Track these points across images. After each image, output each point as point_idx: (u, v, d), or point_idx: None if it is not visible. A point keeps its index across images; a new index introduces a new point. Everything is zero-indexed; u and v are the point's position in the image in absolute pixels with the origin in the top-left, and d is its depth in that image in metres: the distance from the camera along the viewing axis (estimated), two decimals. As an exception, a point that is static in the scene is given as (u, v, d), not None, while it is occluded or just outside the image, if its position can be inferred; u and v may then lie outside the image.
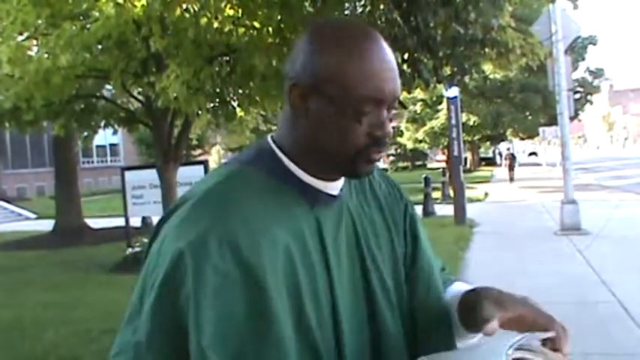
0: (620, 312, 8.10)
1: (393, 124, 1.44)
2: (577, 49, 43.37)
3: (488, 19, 8.71)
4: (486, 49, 9.55)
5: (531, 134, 54.28)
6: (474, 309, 1.48)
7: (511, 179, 39.76)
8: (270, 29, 8.75)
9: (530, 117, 45.71)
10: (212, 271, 1.23)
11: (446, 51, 9.24)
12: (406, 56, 8.90)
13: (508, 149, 59.86)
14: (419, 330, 1.56)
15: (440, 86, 12.43)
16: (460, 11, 8.21)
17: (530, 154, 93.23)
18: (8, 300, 10.40)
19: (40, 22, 9.50)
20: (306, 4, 8.80)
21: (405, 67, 8.94)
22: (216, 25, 8.78)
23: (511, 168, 41.43)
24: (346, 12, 9.29)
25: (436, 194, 24.55)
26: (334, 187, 1.46)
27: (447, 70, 9.73)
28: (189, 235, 1.26)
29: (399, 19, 8.51)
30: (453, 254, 12.88)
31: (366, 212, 1.57)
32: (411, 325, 1.55)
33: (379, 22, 8.75)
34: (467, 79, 11.97)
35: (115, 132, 16.66)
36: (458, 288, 1.68)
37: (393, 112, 1.42)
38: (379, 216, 1.60)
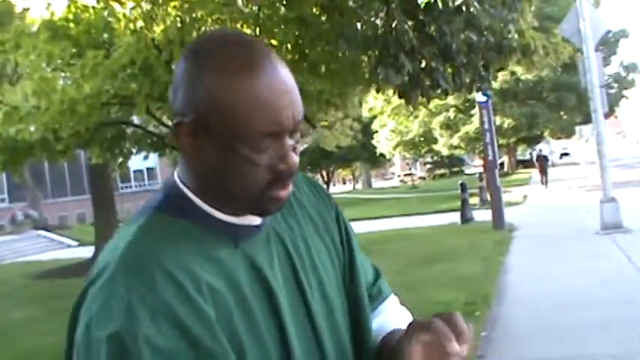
0: (664, 310, 7.92)
1: (301, 146, 1.25)
2: (608, 44, 42.98)
3: (502, 25, 8.63)
4: (504, 55, 9.46)
5: (568, 134, 53.81)
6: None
7: (544, 183, 36.00)
8: (289, 46, 8.74)
9: (565, 116, 45.37)
10: (156, 354, 1.07)
11: (462, 59, 9.16)
12: (423, 65, 8.85)
13: (540, 150, 54.66)
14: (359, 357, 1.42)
15: (462, 93, 12.37)
16: (472, 18, 8.12)
17: (563, 154, 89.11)
18: (52, 326, 10.47)
19: (65, 53, 9.61)
20: (323, 18, 8.78)
21: (423, 76, 8.90)
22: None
23: (542, 171, 37.07)
24: (360, 24, 9.23)
25: (474, 200, 24.39)
26: (254, 217, 1.29)
27: (467, 78, 9.66)
28: (118, 317, 1.09)
29: (412, 31, 8.46)
30: (492, 259, 12.80)
31: (298, 233, 1.39)
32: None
33: (394, 32, 8.71)
34: (489, 83, 11.88)
35: (146, 157, 16.85)
36: (383, 320, 1.52)
37: (298, 136, 1.24)
38: (313, 233, 1.43)
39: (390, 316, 1.55)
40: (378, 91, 10.31)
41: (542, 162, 37.94)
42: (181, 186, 1.27)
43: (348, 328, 1.41)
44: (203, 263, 1.18)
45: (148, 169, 49.88)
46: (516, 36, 9.09)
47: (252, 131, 1.16)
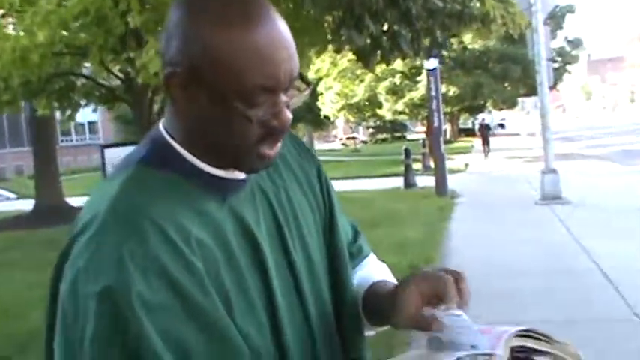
0: (601, 279, 8.18)
1: (295, 101, 1.24)
2: (555, 18, 43.44)
3: None
4: (465, 22, 9.57)
5: (510, 105, 54.46)
6: (381, 309, 1.36)
7: (485, 153, 35.25)
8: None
9: (509, 87, 45.88)
10: (148, 310, 1.06)
11: (423, 24, 9.22)
12: (385, 28, 8.90)
13: (483, 120, 53.50)
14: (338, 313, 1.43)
15: (419, 57, 12.46)
16: None
17: (499, 125, 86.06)
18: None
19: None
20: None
21: (384, 39, 8.94)
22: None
23: (484, 140, 36.27)
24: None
25: (416, 166, 24.57)
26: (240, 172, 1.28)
27: (426, 43, 9.74)
28: (108, 272, 1.07)
29: None
30: (435, 225, 12.98)
31: (281, 188, 1.39)
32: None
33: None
34: (447, 49, 11.99)
35: (95, 110, 16.55)
36: (367, 274, 1.56)
37: (292, 91, 1.22)
38: (296, 189, 1.44)
39: (373, 270, 1.58)
40: (338, 52, 10.32)
41: (485, 131, 37.60)
42: (168, 138, 1.24)
43: (327, 283, 1.42)
44: (191, 217, 1.17)
45: (89, 122, 49.01)
46: (478, 4, 9.18)
47: (248, 85, 1.13)
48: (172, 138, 1.24)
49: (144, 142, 1.28)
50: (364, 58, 9.33)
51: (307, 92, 1.28)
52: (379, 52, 9.07)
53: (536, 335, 1.22)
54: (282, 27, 1.18)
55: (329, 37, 9.19)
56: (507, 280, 8.52)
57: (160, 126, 1.28)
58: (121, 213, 1.13)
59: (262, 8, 1.17)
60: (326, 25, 9.04)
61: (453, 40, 15.85)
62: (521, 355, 1.20)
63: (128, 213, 1.13)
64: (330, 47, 9.96)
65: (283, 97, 1.18)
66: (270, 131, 1.19)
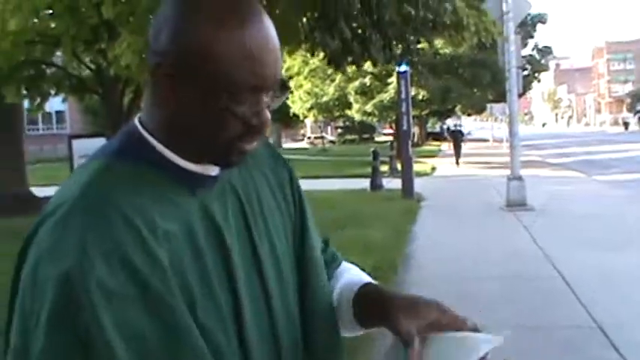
0: (562, 286, 8.29)
1: (275, 104, 1.27)
2: (526, 27, 43.80)
3: (436, 2, 8.78)
4: (437, 30, 9.64)
5: (479, 110, 54.76)
6: (379, 314, 1.37)
7: (457, 161, 33.01)
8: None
9: (478, 93, 46.08)
10: (106, 297, 1.06)
11: (395, 31, 9.26)
12: (359, 32, 8.93)
13: (456, 125, 49.86)
14: (306, 320, 1.44)
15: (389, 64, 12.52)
16: None
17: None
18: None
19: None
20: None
21: (355, 44, 8.97)
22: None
23: (457, 146, 34.01)
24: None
25: (384, 168, 24.64)
26: (213, 167, 1.28)
27: (397, 50, 9.79)
28: (69, 255, 1.06)
29: None
30: (400, 227, 13.04)
31: (251, 188, 1.41)
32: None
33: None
34: (416, 56, 12.04)
35: (64, 99, 16.37)
36: (350, 277, 1.57)
37: (273, 95, 1.24)
38: (267, 191, 1.45)
39: (356, 273, 1.60)
40: (311, 54, 10.33)
41: (457, 137, 35.36)
42: (142, 130, 1.25)
43: (295, 287, 1.43)
44: (159, 209, 1.18)
45: (57, 112, 48.50)
46: (450, 12, 9.24)
47: (236, 82, 1.15)
48: (147, 130, 1.25)
49: (118, 134, 1.30)
50: (335, 61, 9.37)
51: (285, 96, 1.31)
52: (350, 56, 9.11)
53: None
54: (271, 30, 1.21)
55: (302, 37, 9.20)
56: (468, 284, 8.60)
57: (136, 119, 1.28)
58: (90, 199, 1.13)
59: (255, 9, 1.19)
60: (300, 25, 9.06)
61: (425, 45, 15.90)
62: None
63: (96, 200, 1.13)
64: (303, 47, 10.00)
65: (265, 98, 1.21)
66: (250, 129, 1.21)
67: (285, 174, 1.52)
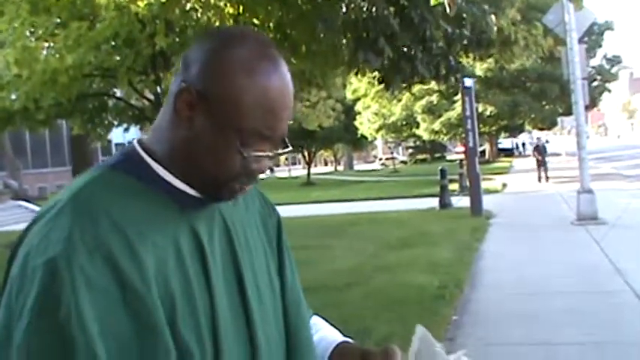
0: (634, 301, 8.03)
1: (274, 157, 1.36)
2: (593, 36, 43.10)
3: (480, 19, 8.66)
4: (483, 48, 9.51)
5: (550, 124, 53.96)
6: None
7: (544, 178, 29.65)
8: (271, 25, 8.73)
9: (547, 106, 45.46)
10: (88, 288, 1.10)
11: (437, 49, 9.15)
12: (405, 51, 8.86)
13: (539, 139, 41.64)
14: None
15: (437, 82, 12.42)
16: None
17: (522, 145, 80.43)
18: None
19: (49, 23, 9.57)
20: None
21: (402, 62, 8.89)
22: (217, 23, 8.76)
23: (540, 164, 30.13)
24: (344, 9, 9.22)
25: (453, 186, 24.49)
26: None
27: (442, 68, 9.67)
28: (56, 245, 1.13)
29: (392, 16, 8.44)
30: (468, 245, 12.89)
31: (240, 223, 1.47)
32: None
33: (375, 16, 8.69)
34: (462, 73, 11.89)
35: (126, 129, 16.81)
36: (325, 334, 1.68)
37: (274, 148, 1.33)
38: (254, 230, 1.52)
39: (332, 331, 1.70)
40: (357, 74, 10.32)
41: (541, 152, 30.74)
42: (139, 149, 1.34)
43: (277, 324, 1.49)
44: (148, 220, 1.24)
45: (129, 142, 49.44)
46: (495, 29, 9.09)
47: (249, 128, 1.25)
48: (146, 150, 1.33)
49: (118, 152, 1.38)
50: (386, 81, 9.31)
51: (286, 152, 1.38)
52: (400, 75, 9.04)
53: None
54: (290, 86, 1.32)
55: (345, 59, 9.18)
56: (538, 301, 8.40)
57: (135, 141, 1.38)
58: (80, 202, 1.21)
59: (281, 66, 1.30)
60: (343, 47, 9.04)
61: (490, 60, 15.77)
62: None
63: (87, 204, 1.20)
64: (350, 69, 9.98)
65: (268, 148, 1.31)
66: (248, 172, 1.30)
67: (274, 219, 1.63)
